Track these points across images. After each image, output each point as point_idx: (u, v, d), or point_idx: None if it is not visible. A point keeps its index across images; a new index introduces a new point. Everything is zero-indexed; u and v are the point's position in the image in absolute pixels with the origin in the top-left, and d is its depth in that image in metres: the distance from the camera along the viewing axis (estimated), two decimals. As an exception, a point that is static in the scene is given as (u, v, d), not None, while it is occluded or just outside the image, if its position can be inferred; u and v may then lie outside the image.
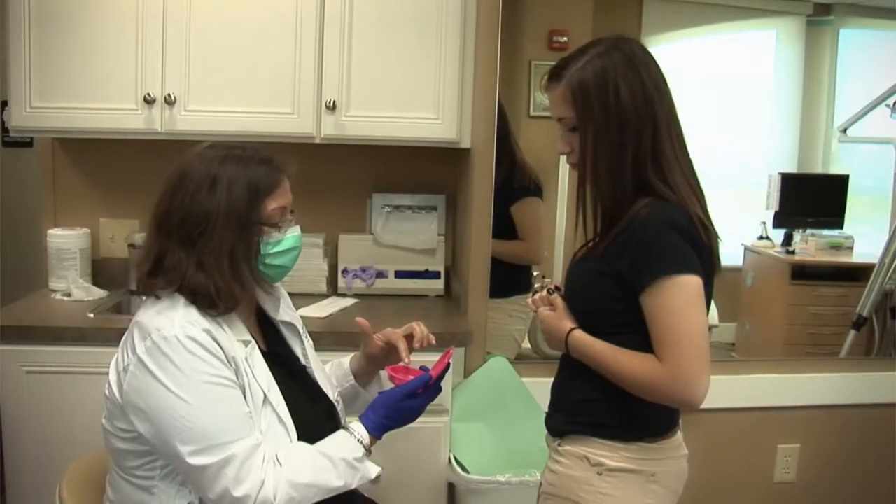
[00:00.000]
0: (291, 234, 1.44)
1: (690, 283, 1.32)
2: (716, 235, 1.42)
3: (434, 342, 1.61)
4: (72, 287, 2.43)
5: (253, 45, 2.31)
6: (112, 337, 2.08)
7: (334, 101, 2.33)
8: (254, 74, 2.31)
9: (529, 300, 1.59)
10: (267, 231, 1.40)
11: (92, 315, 2.26)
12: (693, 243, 1.35)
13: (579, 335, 1.45)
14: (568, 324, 1.47)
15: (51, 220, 2.61)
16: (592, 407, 1.46)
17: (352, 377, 1.69)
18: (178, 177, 1.37)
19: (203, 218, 1.34)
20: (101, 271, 2.59)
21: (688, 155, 1.44)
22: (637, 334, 1.37)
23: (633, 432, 1.43)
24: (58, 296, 2.43)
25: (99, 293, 2.46)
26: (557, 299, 1.51)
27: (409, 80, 2.36)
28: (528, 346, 2.77)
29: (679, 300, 1.32)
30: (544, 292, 1.55)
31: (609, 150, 1.39)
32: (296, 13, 2.31)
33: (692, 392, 1.31)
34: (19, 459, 2.14)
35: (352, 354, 1.72)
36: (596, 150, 1.40)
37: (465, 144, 2.42)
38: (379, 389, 1.69)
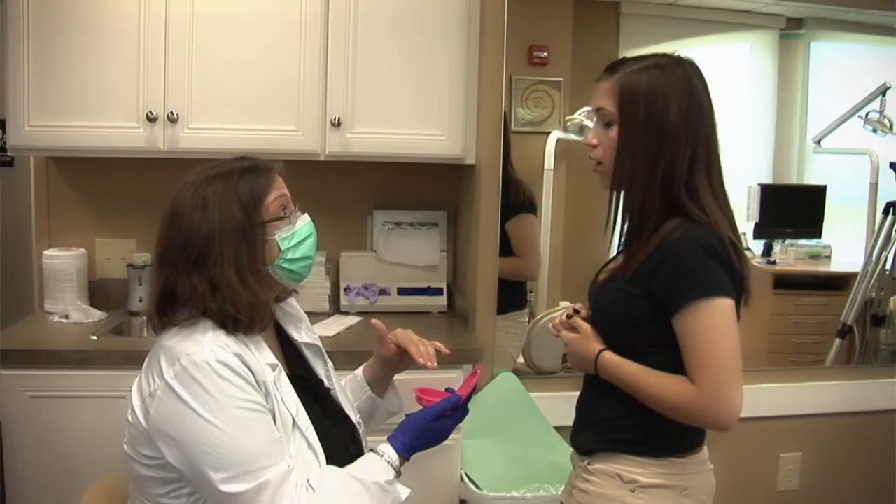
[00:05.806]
0: (302, 223, 1.43)
1: (724, 306, 1.33)
2: (746, 258, 1.43)
3: (448, 352, 1.59)
4: (69, 309, 2.39)
5: (257, 62, 2.29)
6: (115, 359, 2.06)
7: (339, 118, 2.32)
8: (257, 92, 2.30)
9: (550, 325, 1.59)
10: (275, 225, 1.38)
11: (94, 337, 2.21)
12: (725, 266, 1.36)
13: (609, 357, 1.45)
14: (596, 346, 1.47)
15: (45, 240, 2.56)
16: (622, 424, 1.46)
17: (367, 388, 1.68)
18: (170, 212, 1.36)
19: (203, 238, 1.32)
20: (97, 292, 2.54)
21: (724, 187, 1.45)
22: (665, 354, 1.38)
23: (664, 448, 1.44)
24: (55, 318, 2.38)
25: (97, 315, 2.41)
26: (580, 321, 1.51)
27: (414, 97, 2.37)
28: (521, 360, 2.77)
29: (713, 323, 1.33)
30: (563, 316, 1.55)
31: (643, 160, 1.40)
32: (299, 30, 2.30)
33: (726, 414, 1.33)
34: (23, 485, 2.09)
35: (364, 364, 1.71)
36: (630, 155, 1.41)
37: (471, 160, 2.42)
38: (396, 397, 1.69)
